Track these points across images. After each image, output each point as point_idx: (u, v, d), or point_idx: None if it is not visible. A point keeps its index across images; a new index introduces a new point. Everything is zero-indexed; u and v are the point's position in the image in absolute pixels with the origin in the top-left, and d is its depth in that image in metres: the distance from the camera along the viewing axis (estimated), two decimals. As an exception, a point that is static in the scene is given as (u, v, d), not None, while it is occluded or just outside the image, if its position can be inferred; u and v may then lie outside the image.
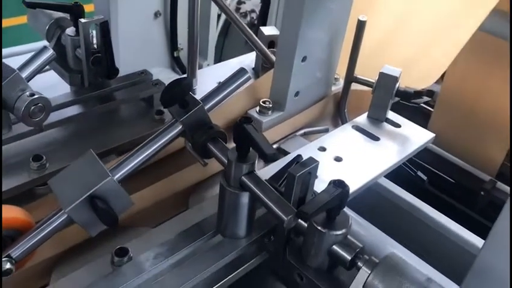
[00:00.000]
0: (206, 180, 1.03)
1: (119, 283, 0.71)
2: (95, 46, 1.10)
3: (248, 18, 3.49)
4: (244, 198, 0.74)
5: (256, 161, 0.72)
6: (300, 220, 0.75)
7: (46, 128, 0.98)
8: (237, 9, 3.42)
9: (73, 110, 1.04)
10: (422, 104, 1.76)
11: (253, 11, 3.25)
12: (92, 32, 1.08)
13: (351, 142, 1.08)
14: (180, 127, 0.77)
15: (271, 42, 1.26)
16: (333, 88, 1.25)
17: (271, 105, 1.10)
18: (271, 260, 0.83)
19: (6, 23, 3.59)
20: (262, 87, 1.15)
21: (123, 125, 1.09)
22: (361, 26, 1.11)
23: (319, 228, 0.71)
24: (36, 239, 0.71)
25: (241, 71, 0.82)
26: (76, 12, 1.06)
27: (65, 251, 0.87)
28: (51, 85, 1.10)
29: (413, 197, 1.22)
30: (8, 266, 0.69)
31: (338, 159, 1.02)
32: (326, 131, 1.19)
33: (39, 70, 0.87)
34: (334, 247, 0.71)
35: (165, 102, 0.74)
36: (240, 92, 1.12)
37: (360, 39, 1.13)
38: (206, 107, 0.78)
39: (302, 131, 1.17)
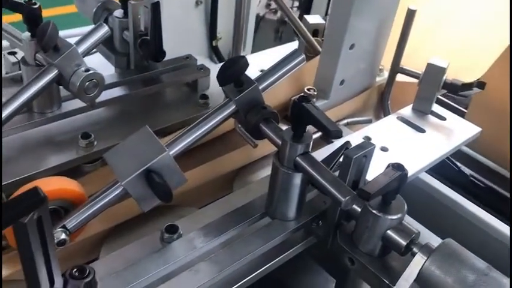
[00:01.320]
0: (250, 165, 1.03)
1: (170, 259, 0.71)
2: (142, 29, 1.11)
3: (278, 14, 3.48)
4: (297, 179, 0.73)
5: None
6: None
7: (90, 109, 0.99)
8: (268, 5, 3.40)
9: (119, 91, 1.04)
10: (455, 105, 1.73)
11: (284, 7, 3.22)
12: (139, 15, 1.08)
13: (396, 133, 1.07)
14: (234, 107, 0.77)
15: (315, 31, 1.24)
16: (377, 79, 1.23)
17: (315, 93, 1.09)
18: (319, 246, 0.82)
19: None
20: (306, 74, 1.14)
21: (167, 108, 1.09)
22: (410, 15, 1.09)
23: (374, 212, 0.70)
24: (90, 211, 0.71)
25: (296, 53, 0.81)
26: (125, -6, 1.07)
27: (113, 227, 0.87)
28: (96, 67, 1.11)
29: (455, 193, 1.20)
30: (62, 236, 0.69)
31: (384, 149, 1.01)
32: (369, 121, 1.18)
33: (95, 47, 0.88)
34: (389, 232, 0.70)
35: (221, 81, 0.74)
36: (283, 79, 1.12)
37: (408, 29, 1.12)
38: (260, 87, 0.77)
39: (345, 121, 1.16)
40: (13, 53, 1.21)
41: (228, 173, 0.99)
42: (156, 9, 0.99)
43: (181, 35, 1.46)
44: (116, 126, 1.01)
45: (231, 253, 0.72)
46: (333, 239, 0.78)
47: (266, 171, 1.01)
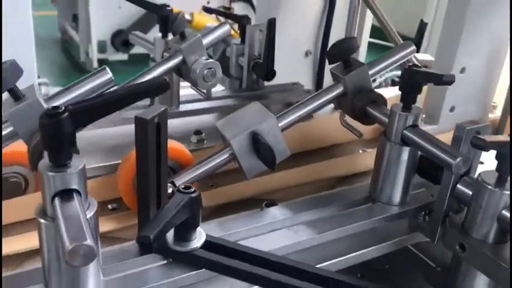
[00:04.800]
0: (351, 177, 1.01)
1: (269, 218, 0.70)
2: (256, 54, 1.20)
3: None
4: (405, 153, 0.72)
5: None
6: (462, 187, 0.70)
7: (204, 112, 1.07)
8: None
9: (230, 101, 1.12)
10: None
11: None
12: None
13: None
14: (342, 89, 0.79)
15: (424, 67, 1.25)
16: (490, 116, 1.19)
17: (423, 116, 1.08)
18: (424, 244, 0.77)
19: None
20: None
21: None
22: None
23: (489, 187, 0.65)
24: (198, 172, 0.74)
25: (406, 43, 0.83)
26: (245, 22, 1.18)
27: (211, 213, 0.89)
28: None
29: None
30: (170, 190, 0.72)
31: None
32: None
33: (215, 43, 0.96)
34: (505, 212, 0.65)
35: (331, 58, 0.77)
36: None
37: (524, 58, 1.09)
38: (370, 72, 0.79)
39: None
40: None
41: (328, 179, 0.98)
42: (272, 25, 1.07)
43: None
44: (225, 131, 1.06)
45: (330, 222, 0.70)
46: (441, 232, 0.73)
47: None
